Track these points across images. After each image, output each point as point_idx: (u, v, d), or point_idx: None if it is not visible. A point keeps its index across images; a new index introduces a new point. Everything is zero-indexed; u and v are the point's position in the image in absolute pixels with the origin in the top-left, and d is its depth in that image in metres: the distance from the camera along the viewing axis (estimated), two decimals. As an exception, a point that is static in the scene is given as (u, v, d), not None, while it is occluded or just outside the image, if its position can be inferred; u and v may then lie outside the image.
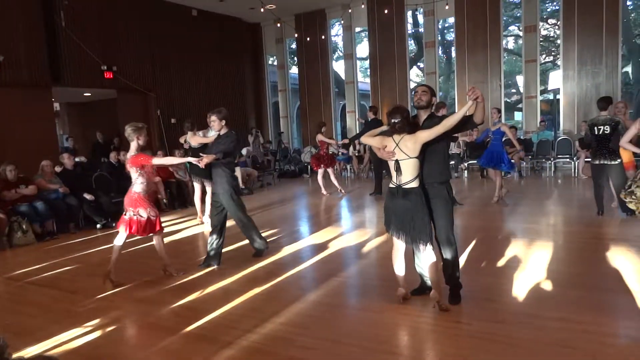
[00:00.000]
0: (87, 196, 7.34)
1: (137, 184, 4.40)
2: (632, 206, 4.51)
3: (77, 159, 8.85)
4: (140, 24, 11.11)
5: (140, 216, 4.38)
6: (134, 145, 4.38)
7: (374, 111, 9.23)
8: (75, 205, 7.25)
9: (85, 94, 12.04)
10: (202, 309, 3.78)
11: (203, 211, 7.38)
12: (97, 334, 3.45)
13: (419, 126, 3.43)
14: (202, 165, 4.61)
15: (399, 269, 3.57)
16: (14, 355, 0.74)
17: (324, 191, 9.47)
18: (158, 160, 4.64)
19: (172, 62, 11.87)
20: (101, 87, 10.61)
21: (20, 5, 8.87)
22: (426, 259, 3.45)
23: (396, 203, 3.39)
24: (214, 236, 4.94)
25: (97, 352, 3.19)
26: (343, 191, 9.45)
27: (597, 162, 6.07)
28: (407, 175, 3.33)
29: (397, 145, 3.33)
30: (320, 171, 9.48)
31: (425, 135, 3.29)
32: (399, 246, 3.53)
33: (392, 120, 3.33)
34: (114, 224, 7.33)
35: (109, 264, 4.47)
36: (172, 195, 8.87)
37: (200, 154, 4.84)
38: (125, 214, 4.44)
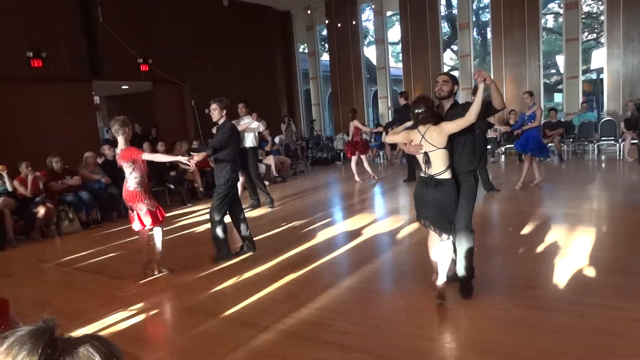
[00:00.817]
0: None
1: (131, 179, 4.34)
2: None
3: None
4: (173, 15, 11.28)
5: (140, 210, 4.39)
6: (121, 140, 4.33)
7: (405, 97, 9.11)
8: (117, 195, 7.51)
9: (123, 87, 12.38)
10: (239, 294, 3.87)
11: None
12: (141, 317, 3.60)
13: (442, 117, 3.35)
14: (192, 165, 4.50)
15: (435, 255, 3.54)
16: (65, 335, 0.78)
17: (357, 178, 9.45)
18: (147, 156, 4.52)
19: (205, 53, 12.03)
20: (138, 80, 10.88)
21: (59, 3, 9.17)
22: (443, 251, 3.36)
23: (427, 193, 3.31)
24: (242, 225, 4.98)
25: (141, 334, 3.34)
26: (376, 178, 9.40)
27: None
28: (438, 166, 3.25)
29: (422, 136, 3.26)
30: (354, 158, 9.45)
31: (450, 127, 3.21)
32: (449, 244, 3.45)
33: (416, 111, 3.26)
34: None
35: (141, 256, 4.57)
36: (208, 184, 9.06)
37: (191, 153, 4.78)
38: (130, 211, 4.49)
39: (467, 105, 3.30)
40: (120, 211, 7.60)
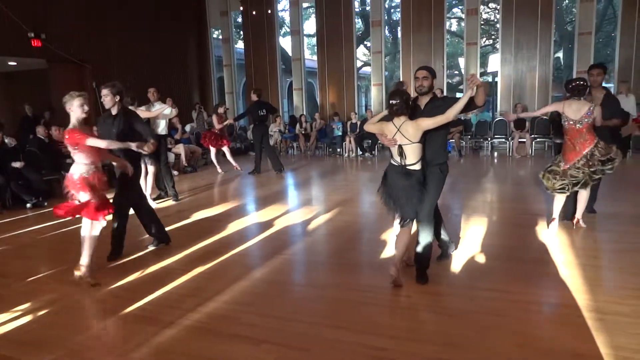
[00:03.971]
0: (17, 164, 6.85)
1: (79, 164, 3.76)
2: (548, 184, 4.77)
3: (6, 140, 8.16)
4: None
5: (79, 200, 3.81)
6: (72, 117, 3.74)
7: (258, 94, 9.30)
8: (2, 184, 6.75)
9: (10, 63, 11.10)
10: (142, 289, 3.67)
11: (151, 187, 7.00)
12: (28, 318, 3.27)
13: (418, 111, 3.43)
14: (145, 150, 4.20)
15: (401, 249, 3.54)
16: None
17: (219, 169, 9.67)
18: (93, 142, 3.77)
19: (110, 33, 11.17)
20: (28, 56, 9.81)
21: None
22: (401, 236, 3.50)
23: (398, 180, 3.38)
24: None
25: (27, 336, 3.02)
26: (220, 172, 9.61)
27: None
28: (412, 158, 3.34)
29: (398, 130, 3.32)
30: (213, 150, 9.66)
31: (428, 123, 3.28)
32: (408, 228, 3.53)
33: (391, 102, 3.30)
34: (45, 203, 6.93)
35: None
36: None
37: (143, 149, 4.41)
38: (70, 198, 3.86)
39: (447, 99, 3.41)
40: (5, 202, 6.83)
